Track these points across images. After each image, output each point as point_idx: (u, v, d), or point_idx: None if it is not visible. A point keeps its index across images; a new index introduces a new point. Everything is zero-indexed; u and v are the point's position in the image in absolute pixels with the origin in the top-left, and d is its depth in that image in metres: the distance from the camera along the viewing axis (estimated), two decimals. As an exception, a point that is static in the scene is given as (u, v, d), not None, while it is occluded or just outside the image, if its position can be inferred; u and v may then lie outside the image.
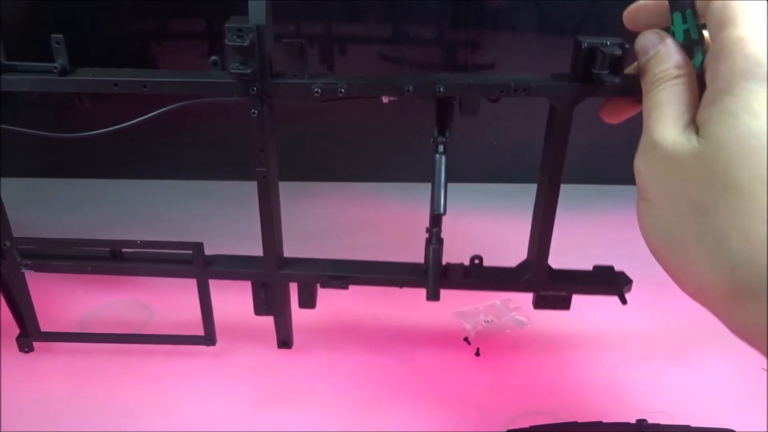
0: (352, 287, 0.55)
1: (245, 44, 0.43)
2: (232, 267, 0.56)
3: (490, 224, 0.65)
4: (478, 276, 0.55)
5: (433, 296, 0.54)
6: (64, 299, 0.64)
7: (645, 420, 0.49)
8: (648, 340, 0.62)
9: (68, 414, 0.51)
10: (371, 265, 0.56)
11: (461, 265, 0.55)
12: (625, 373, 0.57)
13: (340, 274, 0.54)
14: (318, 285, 0.55)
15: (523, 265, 0.56)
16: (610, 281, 0.55)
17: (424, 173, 0.60)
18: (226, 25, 0.43)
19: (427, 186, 0.57)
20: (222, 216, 0.83)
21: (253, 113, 0.47)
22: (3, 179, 0.53)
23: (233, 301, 0.56)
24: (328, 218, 0.84)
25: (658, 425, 0.50)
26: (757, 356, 0.61)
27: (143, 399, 0.52)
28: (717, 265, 0.27)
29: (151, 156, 0.90)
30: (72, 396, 0.52)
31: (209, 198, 0.88)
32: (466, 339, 0.61)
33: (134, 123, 0.48)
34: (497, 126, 0.90)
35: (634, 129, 0.92)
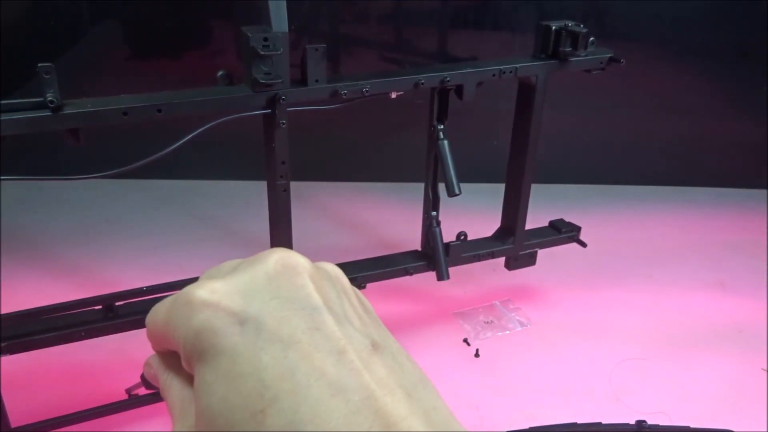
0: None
1: (279, 52, 0.42)
2: None
3: (491, 224, 0.65)
4: (473, 248, 0.60)
5: (446, 275, 0.56)
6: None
7: (644, 421, 0.49)
8: (648, 341, 0.62)
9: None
10: (376, 261, 0.57)
11: (456, 242, 0.58)
12: (625, 373, 0.57)
13: (354, 275, 0.54)
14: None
15: (501, 231, 0.62)
16: (568, 231, 0.63)
17: (420, 174, 0.60)
18: (250, 35, 0.41)
19: (421, 186, 0.58)
20: (221, 216, 0.83)
21: (282, 124, 0.45)
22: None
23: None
24: (323, 218, 0.84)
25: (657, 426, 0.50)
26: (757, 356, 0.61)
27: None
28: None
29: (150, 156, 0.90)
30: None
31: (209, 198, 0.88)
32: (465, 340, 0.61)
33: (167, 152, 0.45)
34: (497, 126, 0.90)
35: (634, 129, 0.93)
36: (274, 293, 0.18)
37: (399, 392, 0.17)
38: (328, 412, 0.16)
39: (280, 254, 0.19)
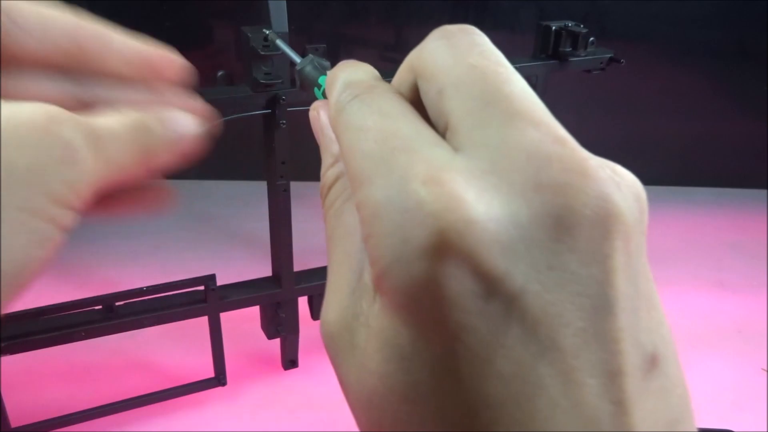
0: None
1: (279, 53, 0.41)
2: (247, 294, 0.51)
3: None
4: None
5: None
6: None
7: (645, 420, 0.49)
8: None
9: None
10: None
11: None
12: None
13: None
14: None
15: None
16: None
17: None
18: (250, 35, 0.41)
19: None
20: (221, 216, 0.83)
21: (282, 124, 0.45)
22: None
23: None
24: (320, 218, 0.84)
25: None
26: (757, 356, 0.61)
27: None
28: None
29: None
30: None
31: (209, 198, 0.88)
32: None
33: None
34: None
35: (634, 129, 0.93)
36: (554, 258, 0.11)
37: None
38: None
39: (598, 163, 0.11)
